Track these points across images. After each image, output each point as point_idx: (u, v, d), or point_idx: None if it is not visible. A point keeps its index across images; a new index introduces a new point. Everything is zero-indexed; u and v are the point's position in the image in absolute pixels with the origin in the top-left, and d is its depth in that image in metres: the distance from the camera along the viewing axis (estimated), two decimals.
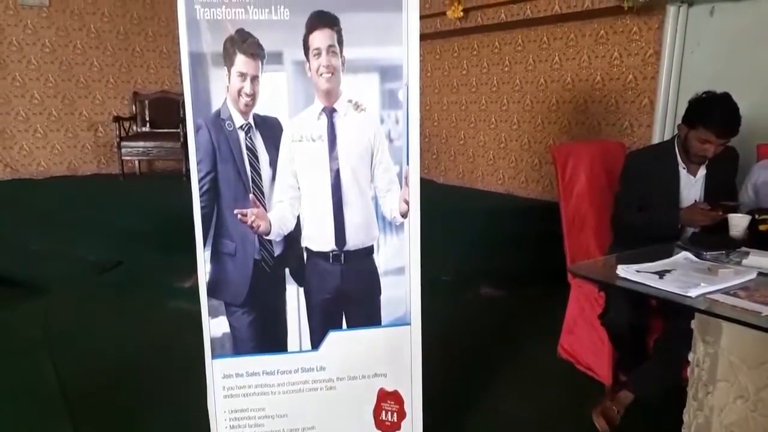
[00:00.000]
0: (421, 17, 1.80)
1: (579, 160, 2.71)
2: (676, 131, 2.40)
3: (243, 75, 1.72)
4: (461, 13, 4.75)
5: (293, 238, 1.83)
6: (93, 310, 3.52)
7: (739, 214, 2.08)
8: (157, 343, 3.05)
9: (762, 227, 2.01)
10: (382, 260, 1.88)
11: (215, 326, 1.83)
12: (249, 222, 1.77)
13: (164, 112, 6.13)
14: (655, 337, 2.28)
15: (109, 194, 5.22)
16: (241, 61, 1.71)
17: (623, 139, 3.80)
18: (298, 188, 1.81)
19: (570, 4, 4.00)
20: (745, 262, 1.79)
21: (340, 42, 1.75)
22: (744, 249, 1.90)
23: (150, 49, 6.36)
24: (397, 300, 1.92)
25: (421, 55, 1.82)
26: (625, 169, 2.45)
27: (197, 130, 1.73)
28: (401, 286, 1.91)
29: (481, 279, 3.89)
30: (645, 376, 2.22)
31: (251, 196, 1.77)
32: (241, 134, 1.76)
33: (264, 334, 1.86)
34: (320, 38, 1.74)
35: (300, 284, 1.86)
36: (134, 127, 6.17)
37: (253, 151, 1.78)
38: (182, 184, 2.12)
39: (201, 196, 1.75)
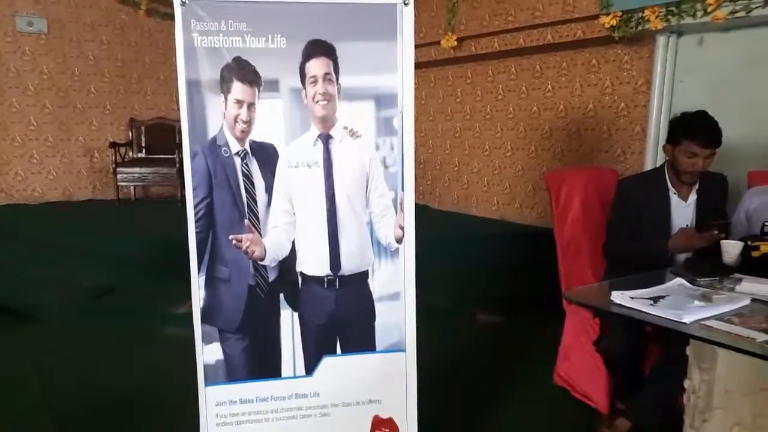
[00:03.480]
0: (416, 46, 1.83)
1: (572, 186, 2.73)
2: (666, 158, 2.43)
3: (240, 102, 1.74)
4: (455, 43, 4.82)
5: (288, 263, 1.84)
6: (85, 337, 3.49)
7: (732, 241, 2.10)
8: (150, 370, 3.02)
9: (754, 253, 2.02)
10: (377, 286, 1.88)
11: (209, 353, 1.82)
12: (244, 247, 1.77)
13: (160, 139, 6.16)
14: (650, 363, 2.27)
15: (103, 220, 5.22)
16: (238, 89, 1.74)
17: (616, 165, 3.83)
18: (294, 214, 1.82)
19: (562, 34, 4.07)
20: (738, 288, 1.79)
21: (336, 70, 1.78)
22: (737, 275, 1.91)
23: (147, 76, 6.42)
24: (392, 326, 1.91)
25: (415, 83, 1.85)
26: (617, 195, 2.48)
27: (193, 156, 1.74)
28: (396, 311, 1.90)
29: (476, 305, 3.89)
30: (642, 404, 2.20)
31: (246, 221, 1.78)
32: (237, 160, 1.78)
33: (258, 360, 1.84)
34: (316, 66, 1.77)
35: (294, 309, 1.85)
36: (130, 153, 6.19)
37: (248, 177, 1.79)
38: (177, 210, 2.13)
39: (196, 221, 1.75)
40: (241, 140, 1.77)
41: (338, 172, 1.82)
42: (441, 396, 2.57)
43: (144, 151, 6.25)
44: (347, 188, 1.83)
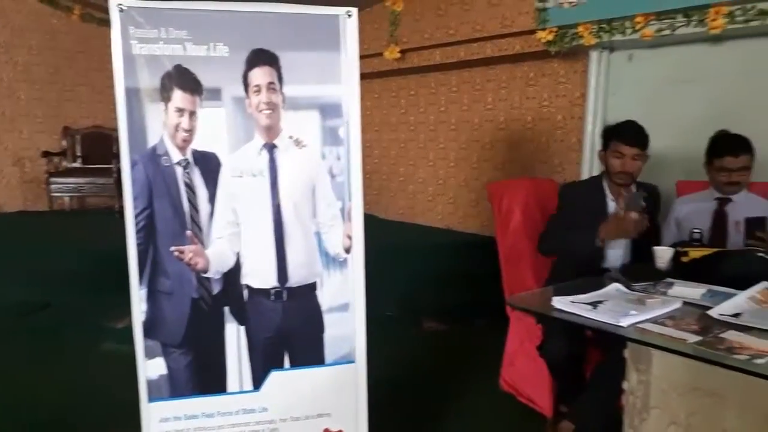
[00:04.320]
0: (360, 57, 1.85)
1: (513, 196, 2.80)
2: (602, 167, 2.54)
3: (181, 110, 1.71)
4: (398, 54, 4.88)
5: (233, 275, 1.80)
6: (19, 356, 3.31)
7: (664, 247, 2.20)
8: (89, 387, 2.89)
9: (684, 259, 2.13)
10: (325, 297, 1.87)
11: (151, 368, 1.76)
12: (186, 259, 1.73)
13: (97, 148, 5.94)
14: (592, 367, 2.34)
15: (36, 232, 4.98)
16: (178, 97, 1.70)
17: (554, 176, 3.96)
18: (238, 224, 1.79)
19: (501, 48, 4.18)
20: (670, 292, 1.88)
21: (280, 79, 1.77)
22: (669, 280, 2.00)
23: (82, 83, 6.18)
24: (342, 338, 1.90)
25: (360, 94, 1.86)
26: (560, 198, 2.59)
27: (133, 165, 1.69)
28: (346, 323, 1.90)
29: (423, 313, 3.92)
30: (584, 407, 2.27)
31: (189, 232, 1.74)
32: (179, 170, 1.73)
33: (203, 375, 1.80)
34: (260, 75, 1.75)
35: (240, 323, 1.82)
36: (64, 163, 5.94)
37: (190, 187, 1.75)
38: (116, 221, 2.06)
39: (136, 233, 1.70)
40: (182, 149, 1.73)
41: (284, 182, 1.80)
42: (390, 405, 2.57)
43: (79, 160, 6.00)
44: (294, 198, 1.82)
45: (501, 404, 2.67)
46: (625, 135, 2.39)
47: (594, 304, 1.72)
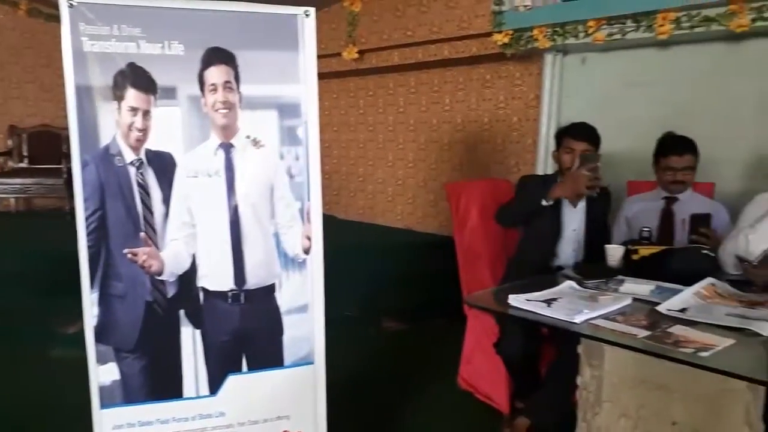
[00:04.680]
0: (318, 57, 1.84)
1: (471, 196, 2.84)
2: (556, 167, 2.61)
3: (134, 109, 1.67)
4: (356, 55, 4.88)
5: (188, 277, 1.76)
6: None
7: (614, 246, 2.27)
8: (38, 395, 2.79)
9: (634, 257, 2.20)
10: (284, 298, 1.85)
11: (104, 373, 1.71)
12: (140, 262, 1.69)
13: (45, 147, 5.72)
14: (547, 363, 2.39)
15: None
16: (132, 96, 1.66)
17: (510, 176, 4.02)
18: (194, 225, 1.76)
19: (458, 50, 4.23)
20: (621, 289, 1.94)
21: (237, 78, 1.75)
22: (620, 277, 2.07)
23: (29, 80, 5.95)
24: (301, 339, 1.89)
25: (318, 94, 1.86)
26: (519, 186, 2.71)
27: (84, 166, 1.64)
28: (304, 324, 1.88)
29: (383, 313, 3.93)
30: (539, 403, 2.32)
31: (142, 234, 1.70)
32: (132, 170, 1.69)
33: (158, 381, 1.75)
34: (216, 74, 1.73)
35: (196, 326, 1.78)
36: (10, 163, 5.71)
37: (144, 188, 1.71)
38: (66, 223, 1.99)
39: (88, 235, 1.65)
40: (135, 149, 1.69)
41: (241, 182, 1.78)
42: (350, 406, 2.56)
43: (26, 160, 5.78)
44: (251, 198, 1.79)
45: (459, 402, 2.70)
46: (575, 132, 2.51)
47: (548, 302, 1.76)
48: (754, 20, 2.74)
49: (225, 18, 1.73)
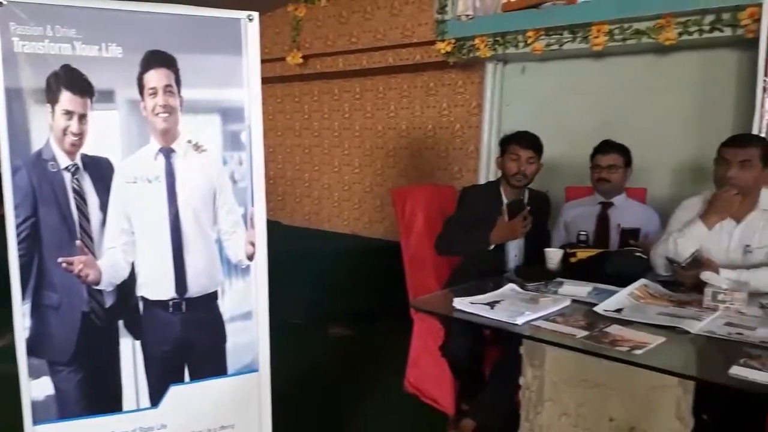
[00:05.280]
0: (262, 61, 1.83)
1: (416, 202, 2.87)
2: (498, 173, 2.68)
3: (69, 113, 1.61)
4: (301, 60, 4.86)
5: (127, 286, 1.71)
6: None
7: (553, 249, 2.35)
8: None
9: (572, 260, 2.28)
10: (227, 306, 1.82)
11: (37, 388, 1.64)
12: (76, 271, 1.63)
13: None
14: (491, 364, 2.44)
15: None
16: (66, 99, 1.60)
17: (453, 182, 4.09)
18: (132, 233, 1.71)
19: (402, 57, 4.27)
20: (560, 290, 2.01)
21: (178, 82, 1.72)
22: (559, 279, 2.14)
23: None
24: (244, 347, 1.86)
25: (262, 99, 1.84)
26: (460, 200, 2.72)
27: (15, 171, 1.57)
28: (248, 331, 1.86)
29: (329, 319, 3.91)
30: (484, 404, 2.36)
31: (78, 242, 1.64)
32: (67, 176, 1.63)
33: (95, 394, 1.69)
34: (156, 78, 1.69)
35: (136, 337, 1.73)
36: None
37: (80, 194, 1.65)
38: None
39: (19, 243, 1.58)
40: (71, 154, 1.63)
41: (182, 188, 1.75)
42: (296, 413, 2.54)
43: None
44: (193, 204, 1.76)
45: (405, 405, 2.71)
46: (521, 139, 2.58)
47: (491, 304, 1.80)
48: (680, 34, 2.89)
49: (165, 21, 1.70)
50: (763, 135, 2.59)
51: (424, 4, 4.04)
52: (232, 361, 1.85)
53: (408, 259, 2.83)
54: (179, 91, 1.72)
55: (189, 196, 1.76)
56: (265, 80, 1.91)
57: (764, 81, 2.65)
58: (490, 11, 3.63)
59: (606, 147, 2.67)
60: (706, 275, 1.88)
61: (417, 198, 2.89)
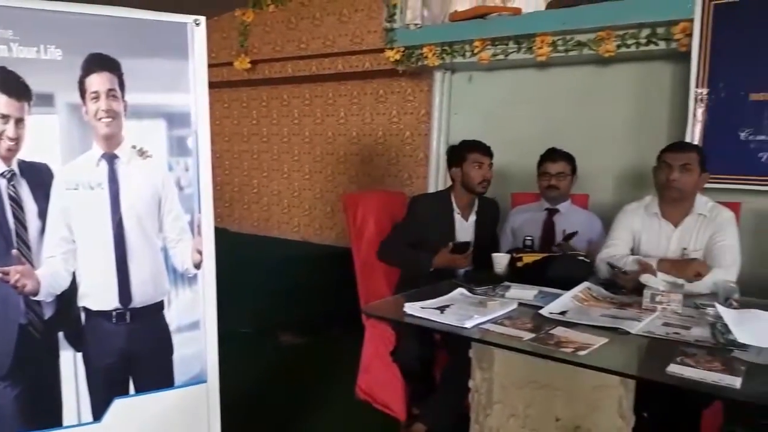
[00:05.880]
0: (208, 66, 1.80)
1: (367, 208, 2.88)
2: (448, 182, 2.71)
3: (5, 117, 1.55)
4: (248, 65, 4.81)
5: (68, 297, 1.65)
6: None
7: (501, 254, 2.40)
8: None
9: (519, 264, 2.34)
10: (174, 316, 1.78)
11: None
12: (12, 281, 1.56)
13: None
14: (441, 368, 2.46)
15: None
16: (2, 102, 1.54)
17: (403, 189, 4.12)
18: (73, 241, 1.65)
19: (352, 64, 4.29)
20: (508, 294, 2.05)
21: (122, 86, 1.68)
22: (506, 283, 2.19)
23: None
24: (192, 357, 1.82)
25: (209, 104, 1.82)
26: (409, 209, 2.73)
27: None
28: (196, 342, 1.82)
29: (279, 328, 3.86)
30: (434, 407, 2.38)
31: (14, 251, 1.57)
32: (2, 182, 1.57)
33: (34, 408, 1.62)
34: (98, 81, 1.65)
35: (77, 349, 1.67)
36: None
37: (17, 201, 1.59)
38: None
39: None
40: (6, 159, 1.57)
41: (126, 195, 1.70)
42: (245, 424, 2.50)
43: None
44: (137, 211, 1.71)
45: (357, 412, 2.71)
46: (482, 148, 2.64)
47: (441, 309, 1.83)
48: (619, 47, 3.02)
49: (108, 23, 1.65)
50: (696, 142, 2.73)
51: (373, 12, 4.07)
52: (180, 373, 1.80)
53: (359, 265, 2.84)
54: (123, 96, 1.68)
55: (133, 203, 1.71)
56: (212, 85, 1.88)
57: (696, 92, 2.79)
58: (438, 20, 3.69)
59: (554, 155, 2.74)
60: (644, 278, 1.96)
61: (368, 204, 2.91)
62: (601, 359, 1.47)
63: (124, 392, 1.73)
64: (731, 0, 2.69)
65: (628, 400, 1.56)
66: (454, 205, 2.70)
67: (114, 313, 1.70)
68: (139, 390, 1.75)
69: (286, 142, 5.07)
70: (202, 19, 1.78)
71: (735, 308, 1.73)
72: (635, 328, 1.66)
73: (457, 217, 2.69)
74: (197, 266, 1.80)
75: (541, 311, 1.82)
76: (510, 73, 3.64)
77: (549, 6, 3.26)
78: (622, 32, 3.00)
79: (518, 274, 2.28)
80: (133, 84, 1.69)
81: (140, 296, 1.73)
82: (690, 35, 2.77)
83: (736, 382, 1.31)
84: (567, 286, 2.03)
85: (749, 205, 2.64)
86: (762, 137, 2.66)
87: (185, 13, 1.76)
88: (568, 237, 2.52)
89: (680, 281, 2.00)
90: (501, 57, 3.41)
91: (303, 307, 3.92)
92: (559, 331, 1.64)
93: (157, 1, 1.86)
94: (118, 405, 1.72)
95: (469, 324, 1.68)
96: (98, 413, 1.70)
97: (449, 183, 2.81)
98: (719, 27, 2.71)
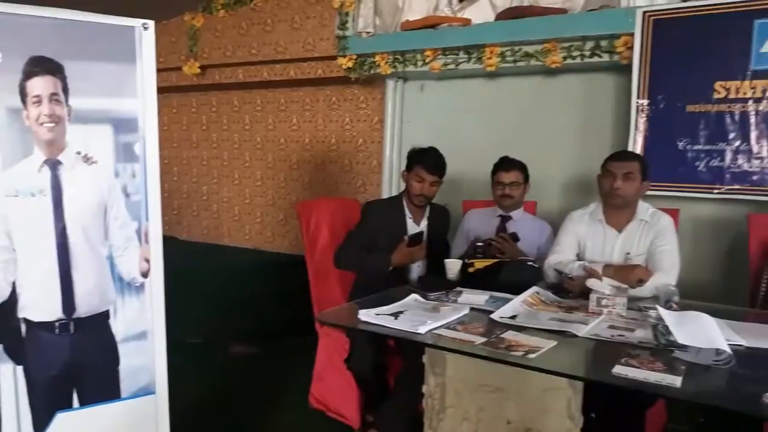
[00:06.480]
0: (157, 71, 1.77)
1: (321, 215, 2.88)
2: (403, 186, 2.74)
3: None
4: (198, 70, 4.73)
5: (7, 308, 1.59)
6: None
7: (453, 260, 2.43)
8: None
9: (471, 269, 2.37)
10: (120, 326, 1.73)
11: None
12: None
13: None
14: (394, 375, 2.47)
15: None
16: None
17: (357, 196, 4.13)
18: (13, 250, 1.59)
19: (304, 71, 4.27)
20: (460, 299, 2.08)
21: (66, 90, 1.63)
22: (459, 289, 2.22)
23: None
24: (140, 368, 1.77)
25: (157, 109, 1.78)
26: (362, 214, 2.73)
27: None
28: (144, 352, 1.77)
29: (231, 337, 3.79)
30: (388, 414, 2.38)
31: None
32: None
33: None
34: (41, 85, 1.60)
35: (17, 362, 1.60)
36: None
37: None
38: None
39: None
40: None
41: (70, 202, 1.65)
42: None
43: None
44: (82, 219, 1.66)
45: (310, 422, 2.69)
46: (428, 162, 2.61)
47: (395, 315, 1.84)
48: (564, 58, 3.12)
49: (52, 26, 1.60)
50: (638, 151, 2.84)
51: (325, 20, 4.07)
52: (127, 384, 1.75)
53: (313, 272, 2.82)
54: (67, 100, 1.63)
55: (77, 210, 1.66)
56: (161, 90, 1.85)
57: (637, 103, 2.91)
58: (390, 29, 3.73)
59: (508, 165, 2.79)
60: (590, 282, 2.02)
61: (322, 211, 2.90)
62: (550, 362, 1.51)
63: (68, 406, 1.67)
64: (669, 16, 2.82)
65: (577, 402, 1.60)
66: (406, 209, 2.73)
67: (57, 324, 1.65)
68: (84, 403, 1.69)
69: (237, 149, 5.00)
70: (151, 23, 1.74)
71: (675, 310, 1.80)
72: (582, 331, 1.71)
73: (409, 221, 2.71)
74: (145, 275, 1.76)
75: (492, 315, 1.85)
76: (461, 83, 3.70)
77: (498, 18, 3.34)
78: (568, 44, 3.10)
79: (470, 280, 2.32)
80: (77, 88, 1.64)
81: (85, 306, 1.68)
82: (631, 48, 2.89)
83: (677, 381, 1.36)
84: (517, 290, 2.07)
85: (687, 211, 2.76)
86: (698, 147, 2.80)
87: (133, 17, 1.72)
88: (513, 236, 2.61)
89: (624, 285, 2.07)
90: (452, 67, 3.47)
91: (255, 316, 3.86)
92: (510, 335, 1.68)
93: (105, 3, 1.81)
94: (61, 419, 1.66)
95: (422, 329, 1.69)
96: (40, 428, 1.63)
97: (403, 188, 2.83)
98: (658, 41, 2.83)
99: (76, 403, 1.68)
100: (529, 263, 2.37)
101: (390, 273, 2.52)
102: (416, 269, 2.69)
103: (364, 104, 4.22)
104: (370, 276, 2.55)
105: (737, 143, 2.72)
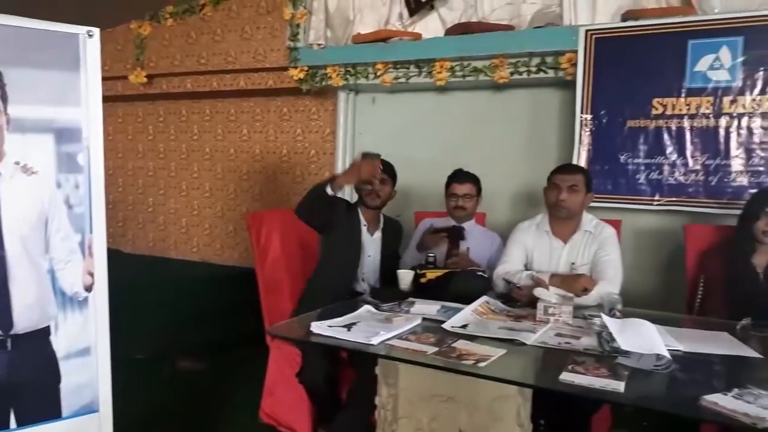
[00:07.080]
0: (102, 79, 1.72)
1: (272, 227, 2.84)
2: (354, 198, 2.75)
3: None
4: (145, 79, 4.63)
5: None
6: None
7: (405, 270, 2.45)
8: None
9: (423, 280, 2.40)
10: (62, 342, 1.67)
11: None
12: None
13: None
14: (347, 387, 2.46)
15: None
16: None
17: None
18: None
19: (254, 81, 4.24)
20: (412, 310, 2.10)
21: (4, 98, 1.57)
22: (411, 299, 2.24)
23: None
24: (82, 386, 1.71)
25: (102, 118, 1.74)
26: None
27: None
28: (87, 369, 1.71)
29: (177, 353, 3.69)
30: (340, 427, 2.36)
31: None
32: None
33: None
34: None
35: None
36: None
37: None
38: None
39: None
40: None
41: (8, 213, 1.58)
42: None
43: None
44: (21, 231, 1.60)
45: None
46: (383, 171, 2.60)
47: (348, 326, 1.83)
48: (512, 73, 3.21)
49: None
50: (582, 164, 2.94)
51: (276, 31, 4.06)
52: (69, 403, 1.68)
53: (263, 284, 2.78)
54: (5, 109, 1.57)
55: (16, 222, 1.59)
56: (106, 99, 1.80)
57: (581, 118, 3.02)
58: (341, 42, 3.75)
59: (461, 177, 2.84)
60: (538, 291, 2.07)
61: (273, 222, 2.87)
62: (500, 370, 1.54)
63: (4, 426, 1.59)
64: (610, 35, 2.95)
65: (526, 409, 1.63)
66: (362, 217, 2.74)
67: None
68: (22, 423, 1.62)
69: (184, 159, 4.90)
70: (96, 30, 1.70)
71: (618, 318, 1.86)
72: (531, 339, 1.75)
73: (364, 230, 2.72)
74: (88, 289, 1.70)
75: (444, 325, 1.87)
76: (412, 96, 3.76)
77: (447, 33, 3.41)
78: (515, 60, 3.19)
79: (422, 290, 2.34)
80: (17, 96, 1.58)
81: (23, 321, 1.61)
82: (575, 65, 3.00)
83: (621, 386, 1.41)
84: (468, 300, 2.10)
85: (629, 222, 2.87)
86: (638, 160, 2.92)
87: (78, 24, 1.67)
88: (457, 230, 2.70)
89: (570, 294, 2.13)
90: (403, 80, 3.52)
91: (203, 330, 3.77)
92: (461, 344, 1.70)
93: (49, 10, 1.76)
94: None
95: (375, 340, 1.69)
96: None
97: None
98: (600, 59, 2.96)
99: (13, 423, 1.60)
100: (479, 273, 2.41)
101: (343, 283, 2.52)
102: (369, 281, 2.70)
103: (316, 116, 4.22)
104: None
105: (674, 157, 2.85)
